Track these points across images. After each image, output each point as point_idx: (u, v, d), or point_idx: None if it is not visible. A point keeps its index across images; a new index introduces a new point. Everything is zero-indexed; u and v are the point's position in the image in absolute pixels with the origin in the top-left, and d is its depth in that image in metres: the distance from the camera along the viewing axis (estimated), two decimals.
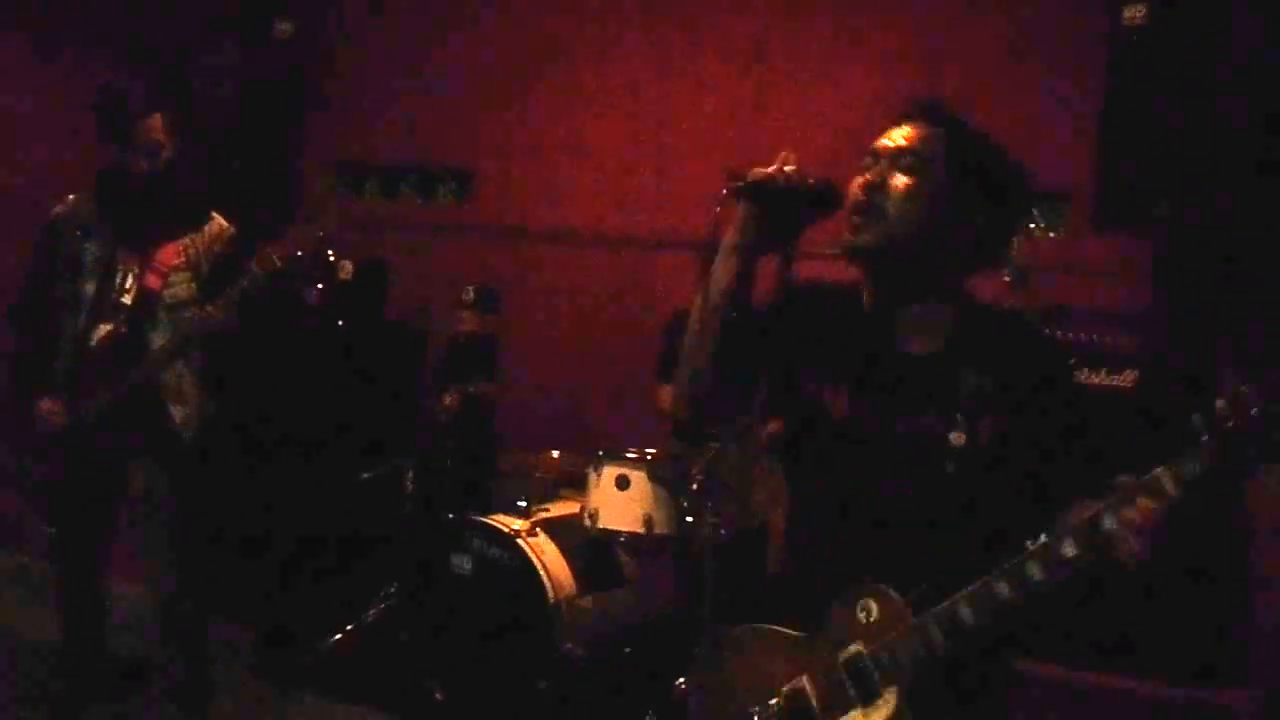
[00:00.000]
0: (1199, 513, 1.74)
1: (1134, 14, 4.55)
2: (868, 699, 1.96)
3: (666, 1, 6.09)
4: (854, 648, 1.98)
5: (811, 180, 1.99)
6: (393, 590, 5.05)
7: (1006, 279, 4.26)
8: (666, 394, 5.23)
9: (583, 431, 5.40)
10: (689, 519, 4.43)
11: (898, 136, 2.05)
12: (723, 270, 2.11)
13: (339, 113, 6.81)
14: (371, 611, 4.97)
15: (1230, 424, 1.69)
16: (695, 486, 4.30)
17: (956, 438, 1.98)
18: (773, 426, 5.18)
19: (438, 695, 4.43)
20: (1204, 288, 4.57)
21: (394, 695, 4.42)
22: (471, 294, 5.42)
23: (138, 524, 3.84)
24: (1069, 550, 1.79)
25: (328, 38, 6.75)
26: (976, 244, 2.05)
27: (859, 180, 2.05)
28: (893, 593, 1.96)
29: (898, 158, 2.03)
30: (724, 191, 2.03)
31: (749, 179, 2.00)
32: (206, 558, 4.03)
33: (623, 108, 6.17)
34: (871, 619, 1.97)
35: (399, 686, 4.49)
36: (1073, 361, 2.18)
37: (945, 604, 1.88)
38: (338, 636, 4.82)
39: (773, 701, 2.06)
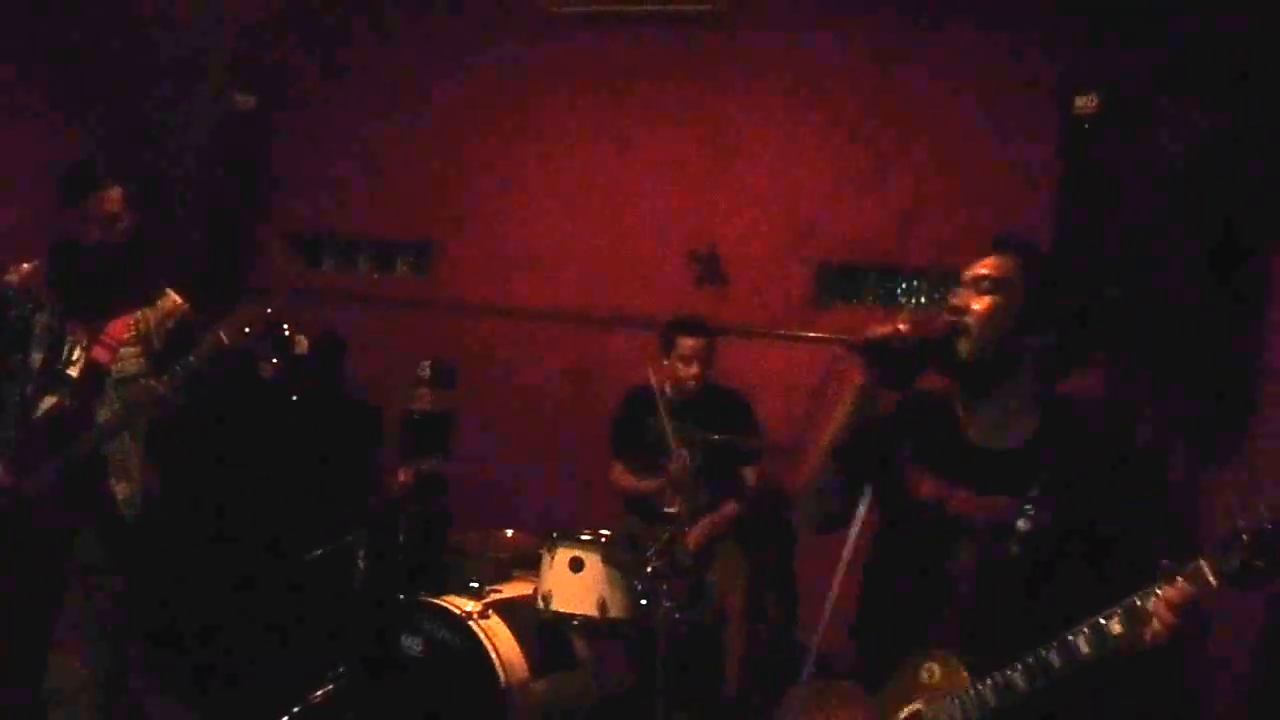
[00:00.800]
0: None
1: (1085, 103, 4.65)
2: None
3: (624, 80, 6.14)
4: (915, 704, 2.25)
5: (932, 332, 2.34)
6: (341, 671, 4.95)
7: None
8: (618, 472, 5.23)
9: (538, 510, 5.37)
10: (644, 601, 4.39)
11: (981, 266, 2.38)
12: (842, 423, 2.47)
13: (297, 185, 6.80)
14: (319, 693, 4.87)
15: (1270, 526, 1.87)
16: (650, 569, 4.27)
17: (1023, 523, 2.25)
18: (730, 508, 5.21)
19: None
20: (1158, 370, 4.62)
21: None
22: (428, 370, 5.38)
23: (77, 599, 3.76)
24: (1115, 628, 2.00)
25: (287, 111, 6.76)
26: (1053, 352, 2.34)
27: (948, 305, 2.38)
28: (954, 658, 2.23)
29: (980, 283, 2.36)
30: (844, 349, 2.38)
31: (866, 339, 2.33)
32: (149, 634, 3.94)
33: (581, 184, 6.21)
34: (933, 680, 2.24)
35: None
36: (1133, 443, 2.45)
37: (1001, 671, 2.12)
38: (284, 718, 4.71)
39: None
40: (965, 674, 2.19)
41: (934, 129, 5.47)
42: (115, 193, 3.67)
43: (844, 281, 5.79)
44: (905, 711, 2.26)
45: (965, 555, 2.31)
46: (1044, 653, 2.06)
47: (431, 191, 6.54)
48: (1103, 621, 2.01)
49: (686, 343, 5.01)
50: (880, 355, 2.33)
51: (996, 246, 2.42)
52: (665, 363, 5.10)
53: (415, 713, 4.40)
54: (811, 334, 5.64)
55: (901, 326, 2.32)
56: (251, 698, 4.82)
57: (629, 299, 5.99)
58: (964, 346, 2.32)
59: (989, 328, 2.31)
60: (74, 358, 3.72)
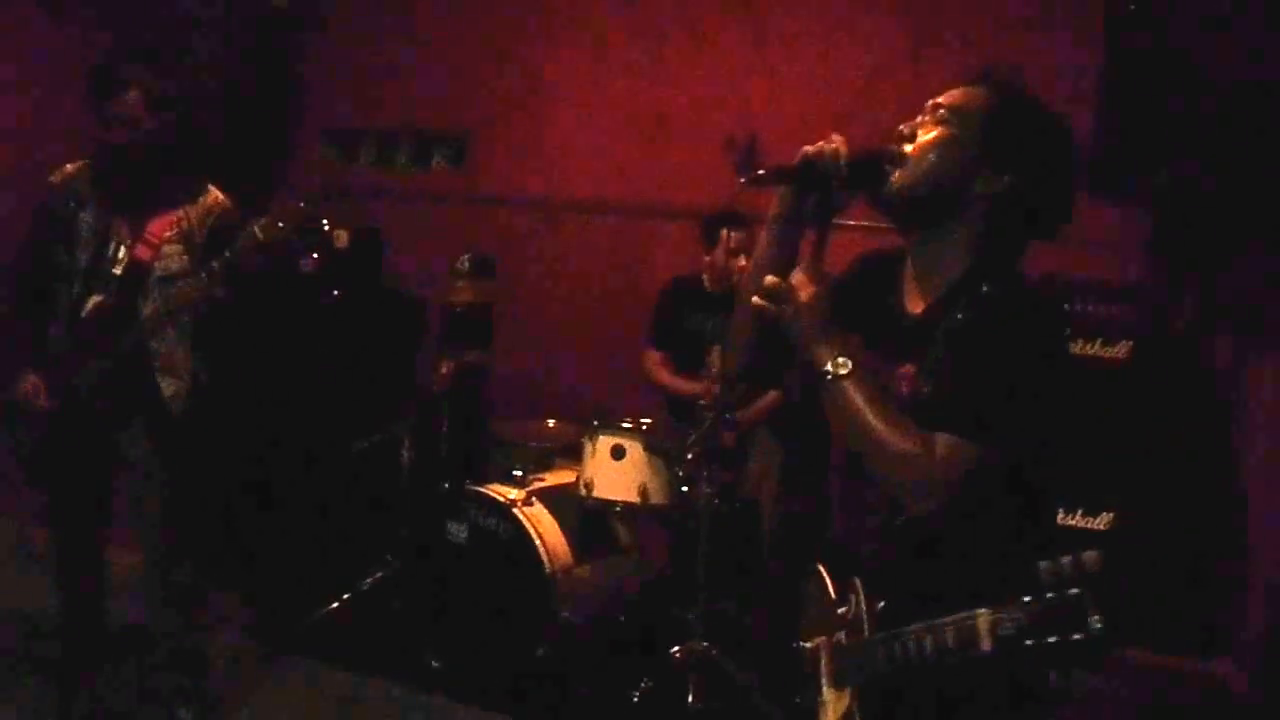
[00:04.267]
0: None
1: None
2: (838, 685, 2.03)
3: None
4: (839, 635, 2.05)
5: (859, 154, 2.03)
6: (389, 559, 5.07)
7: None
8: (653, 359, 5.25)
9: (579, 401, 5.41)
10: (684, 489, 4.45)
11: (943, 95, 2.08)
12: (763, 247, 2.18)
13: (333, 80, 6.76)
14: (368, 580, 4.99)
15: (1050, 594, 1.54)
16: (691, 456, 4.32)
17: (924, 392, 1.96)
18: (767, 400, 5.24)
19: (434, 663, 4.45)
20: (1202, 258, 4.57)
21: (390, 663, 4.44)
22: (467, 263, 5.40)
23: (131, 493, 3.85)
24: (949, 640, 1.72)
25: (322, 5, 6.70)
26: (1009, 203, 2.00)
27: (896, 130, 2.07)
28: (863, 597, 1.99)
29: (934, 111, 2.06)
30: (759, 171, 2.06)
31: (802, 158, 2.02)
32: (201, 527, 4.03)
33: (620, 74, 6.13)
34: (851, 614, 2.02)
35: (395, 654, 4.50)
36: (1050, 328, 2.04)
37: (895, 633, 1.86)
38: (334, 604, 4.83)
39: (807, 646, 2.17)
40: (870, 618, 1.95)
41: (979, 13, 5.34)
42: (134, 94, 3.65)
43: None
44: (835, 637, 2.06)
45: None
46: (939, 626, 1.75)
47: (467, 85, 6.48)
48: (942, 631, 1.73)
49: (732, 235, 4.98)
50: (806, 177, 2.03)
51: (973, 79, 2.10)
52: (708, 256, 5.09)
53: (461, 598, 4.50)
54: (850, 222, 5.59)
55: (837, 145, 2.02)
56: (300, 586, 4.95)
57: (667, 189, 5.95)
58: (898, 177, 2.01)
59: (929, 159, 2.00)
60: (119, 256, 3.75)
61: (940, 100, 2.06)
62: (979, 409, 1.85)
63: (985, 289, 1.97)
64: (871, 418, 1.90)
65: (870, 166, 2.02)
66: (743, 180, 2.08)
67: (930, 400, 1.93)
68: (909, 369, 1.99)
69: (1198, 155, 4.45)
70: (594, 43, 6.20)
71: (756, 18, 5.83)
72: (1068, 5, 5.13)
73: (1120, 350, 4.31)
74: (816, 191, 2.05)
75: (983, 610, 1.64)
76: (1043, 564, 1.55)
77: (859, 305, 2.13)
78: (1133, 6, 4.57)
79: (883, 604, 1.96)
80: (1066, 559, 1.53)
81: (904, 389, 1.99)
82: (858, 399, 1.92)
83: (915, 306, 2.08)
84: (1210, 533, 4.34)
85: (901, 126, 2.07)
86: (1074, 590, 1.52)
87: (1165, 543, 4.25)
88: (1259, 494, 4.43)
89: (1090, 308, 4.38)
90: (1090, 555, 1.53)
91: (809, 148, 2.02)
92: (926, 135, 2.03)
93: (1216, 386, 4.54)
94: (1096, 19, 4.76)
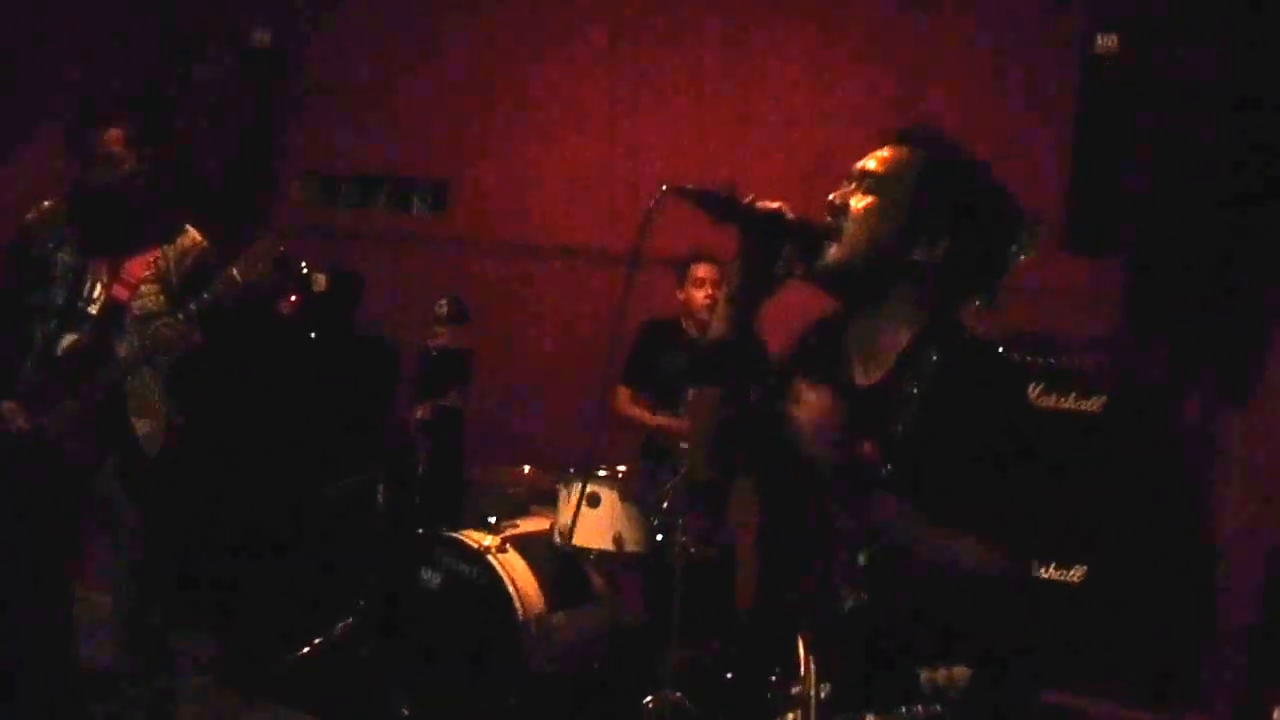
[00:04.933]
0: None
1: (1106, 43, 4.60)
2: None
3: (642, 12, 6.09)
4: (790, 716, 1.96)
5: (807, 226, 1.99)
6: (360, 604, 5.03)
7: (976, 303, 4.29)
8: (624, 395, 5.23)
9: (553, 447, 5.39)
10: (659, 536, 4.44)
11: (870, 159, 2.03)
12: (719, 323, 2.10)
13: (313, 122, 6.78)
14: (339, 625, 4.95)
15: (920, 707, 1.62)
16: (666, 505, 4.32)
17: (888, 469, 1.90)
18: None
19: (405, 711, 4.41)
20: (1172, 313, 4.62)
21: (361, 710, 4.40)
22: (445, 306, 5.39)
23: (99, 534, 3.82)
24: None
25: (304, 48, 6.73)
26: (947, 267, 1.97)
27: (827, 200, 2.03)
28: (813, 679, 1.92)
29: (863, 179, 2.01)
30: (689, 186, 2.02)
31: (742, 201, 1.98)
32: (171, 568, 4.00)
33: (599, 118, 6.17)
34: (800, 694, 1.94)
35: (365, 702, 4.46)
36: (1016, 386, 2.02)
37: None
38: (304, 649, 4.79)
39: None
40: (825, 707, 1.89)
41: (959, 65, 5.41)
42: (115, 133, 3.66)
43: None
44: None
45: (839, 507, 1.93)
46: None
47: (447, 129, 6.50)
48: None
49: (700, 269, 5.03)
50: (731, 215, 1.98)
51: (897, 138, 2.05)
52: (681, 294, 5.11)
53: (433, 645, 4.47)
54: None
55: (780, 205, 1.97)
56: (272, 630, 4.90)
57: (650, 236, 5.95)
58: (833, 252, 1.96)
59: (863, 233, 1.95)
60: (95, 295, 3.74)
61: (869, 166, 2.02)
62: (999, 518, 1.85)
63: (935, 358, 1.95)
64: (932, 540, 1.88)
65: (807, 237, 1.99)
66: (666, 187, 2.04)
67: (945, 510, 1.87)
68: (868, 445, 1.92)
69: (1168, 210, 4.52)
70: (574, 90, 6.23)
71: (740, 65, 5.87)
72: (1044, 60, 5.20)
73: (1094, 404, 4.34)
74: (753, 239, 2.00)
75: (870, 716, 1.71)
76: (923, 674, 1.60)
77: (812, 376, 2.05)
78: (1106, 64, 4.65)
79: (826, 691, 1.90)
80: (941, 672, 1.59)
81: (858, 465, 1.92)
82: (915, 527, 1.89)
83: (864, 378, 2.03)
84: (1181, 585, 4.36)
85: (832, 196, 2.03)
86: (937, 707, 1.58)
87: (1135, 595, 4.27)
88: (1230, 547, 4.46)
89: (1064, 361, 4.41)
90: (960, 671, 1.59)
91: (755, 199, 1.98)
92: (858, 204, 1.98)
93: (1187, 440, 4.58)
94: (1070, 74, 4.84)
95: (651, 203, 2.08)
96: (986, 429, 1.88)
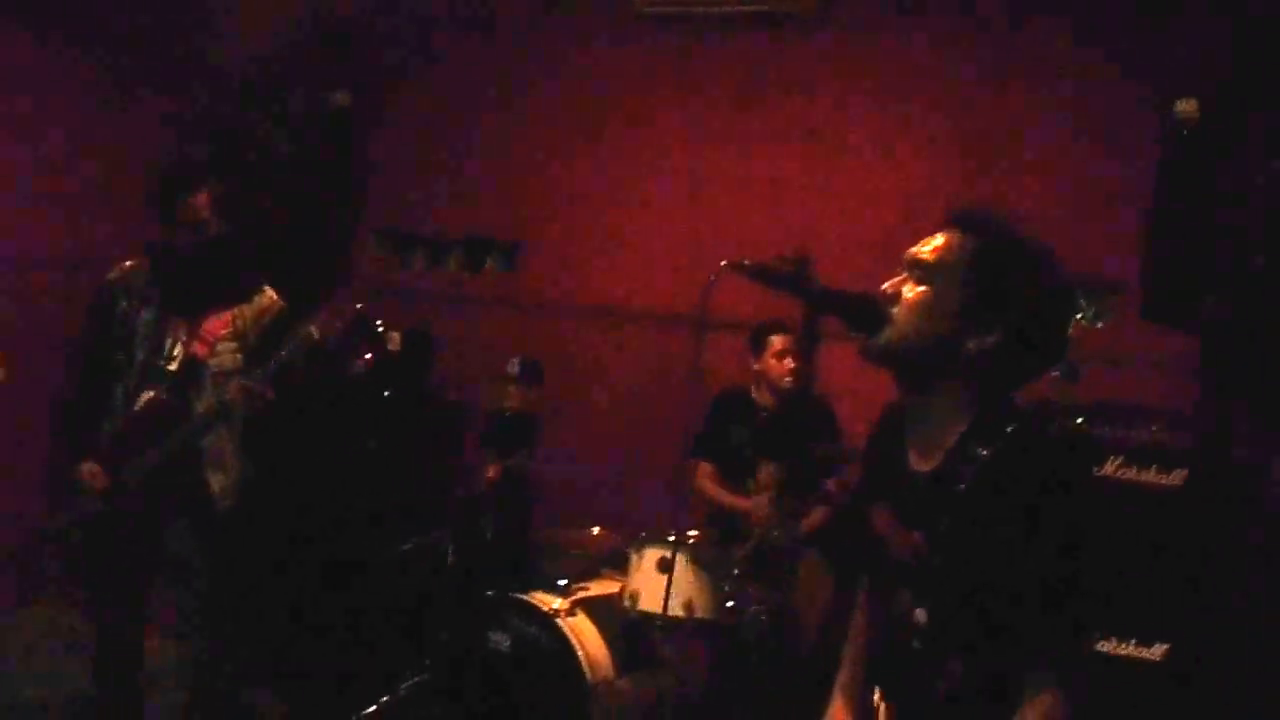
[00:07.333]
0: None
1: (1186, 108, 4.56)
2: None
3: (714, 81, 6.13)
4: None
5: (854, 297, 2.06)
6: (428, 665, 5.02)
7: (1055, 373, 4.23)
8: (704, 471, 5.22)
9: (623, 509, 5.37)
10: (730, 604, 4.39)
11: (922, 246, 2.04)
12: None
13: (389, 182, 6.88)
14: (406, 686, 4.94)
15: None
16: (738, 572, 4.28)
17: (935, 562, 1.93)
18: (816, 517, 5.19)
19: None
20: (1254, 384, 4.52)
21: None
22: (517, 367, 5.43)
23: (173, 587, 3.86)
24: None
25: (381, 109, 6.84)
26: (1000, 356, 1.96)
27: (881, 288, 2.06)
28: None
29: (914, 268, 2.03)
30: (746, 262, 2.14)
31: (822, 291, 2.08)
32: (241, 625, 4.02)
33: (674, 185, 6.20)
34: None
35: None
36: (1080, 466, 2.02)
37: None
38: (371, 710, 4.78)
39: None
40: None
41: (1029, 134, 5.39)
42: (202, 198, 3.75)
43: None
44: None
45: (911, 593, 1.99)
46: None
47: (522, 190, 6.57)
48: None
49: (777, 340, 5.02)
50: (796, 289, 2.10)
51: (950, 222, 2.05)
52: (756, 364, 5.10)
53: (500, 708, 4.44)
54: None
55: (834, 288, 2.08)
56: (339, 690, 4.90)
57: (722, 299, 5.94)
58: (885, 335, 2.00)
59: (914, 324, 1.98)
60: (174, 353, 3.81)
61: (921, 255, 2.03)
62: (1064, 647, 1.88)
63: (984, 452, 1.93)
64: None
65: (861, 318, 2.03)
66: (725, 263, 2.15)
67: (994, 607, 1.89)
68: (917, 536, 1.95)
69: (1250, 277, 4.45)
70: (648, 152, 6.28)
71: (809, 130, 5.89)
72: (1121, 129, 5.17)
73: (1175, 478, 4.24)
74: (809, 308, 2.10)
75: None
76: None
77: (879, 460, 2.15)
78: (1185, 132, 4.60)
79: None
80: None
81: (908, 555, 1.97)
82: None
83: (920, 464, 2.04)
84: (1265, 663, 4.24)
85: (885, 285, 2.04)
86: None
87: (1218, 673, 4.15)
88: None
89: (1144, 433, 4.32)
90: None
91: (811, 276, 2.12)
92: (909, 294, 2.00)
93: (1271, 513, 4.46)
94: (1149, 144, 4.79)
95: (711, 278, 2.24)
96: (1035, 532, 1.86)
